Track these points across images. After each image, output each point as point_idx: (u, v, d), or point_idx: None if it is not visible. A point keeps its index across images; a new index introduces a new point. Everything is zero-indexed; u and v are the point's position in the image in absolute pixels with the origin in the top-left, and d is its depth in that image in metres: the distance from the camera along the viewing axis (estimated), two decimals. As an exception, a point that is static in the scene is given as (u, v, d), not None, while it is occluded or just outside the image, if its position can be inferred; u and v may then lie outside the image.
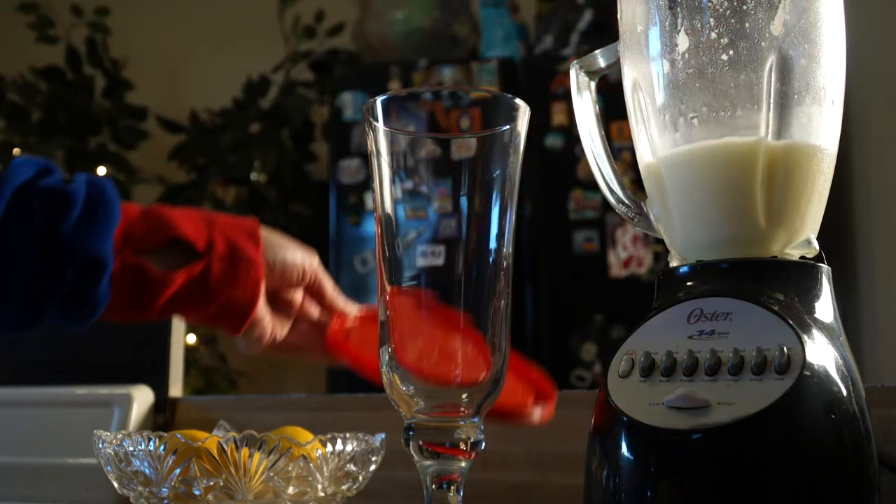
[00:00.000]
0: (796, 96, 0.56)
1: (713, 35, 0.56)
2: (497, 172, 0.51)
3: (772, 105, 0.55)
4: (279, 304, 0.68)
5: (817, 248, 0.57)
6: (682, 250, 0.59)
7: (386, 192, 0.51)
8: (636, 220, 0.63)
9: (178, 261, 0.59)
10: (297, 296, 0.68)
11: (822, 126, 0.57)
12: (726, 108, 0.56)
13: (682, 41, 0.57)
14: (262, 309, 0.64)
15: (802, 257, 0.57)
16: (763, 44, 0.55)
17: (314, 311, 0.70)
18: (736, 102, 0.56)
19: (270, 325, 0.66)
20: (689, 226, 0.58)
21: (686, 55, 0.57)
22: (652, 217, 0.62)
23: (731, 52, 0.55)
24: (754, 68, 0.55)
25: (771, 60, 0.55)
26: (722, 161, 0.56)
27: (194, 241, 0.59)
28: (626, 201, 0.63)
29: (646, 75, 0.59)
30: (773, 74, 0.55)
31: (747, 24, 0.55)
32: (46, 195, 0.55)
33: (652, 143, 0.59)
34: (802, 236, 0.57)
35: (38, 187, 0.56)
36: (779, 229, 0.56)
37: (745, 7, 0.55)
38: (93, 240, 0.54)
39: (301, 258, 0.66)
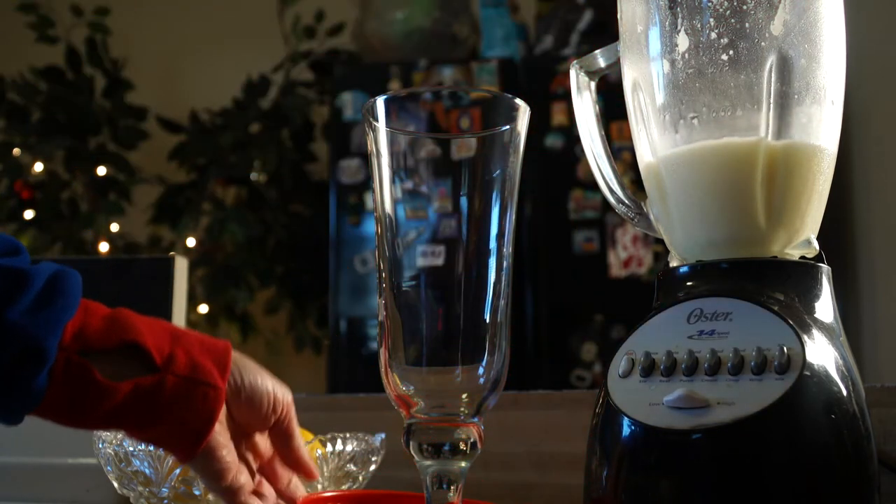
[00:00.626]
0: (796, 96, 0.56)
1: (713, 35, 0.56)
2: (497, 172, 0.51)
3: (772, 105, 0.55)
4: (246, 444, 0.60)
5: (817, 248, 0.57)
6: (683, 250, 0.59)
7: (386, 192, 0.51)
8: (636, 220, 0.63)
9: (133, 370, 0.53)
10: (263, 442, 0.61)
11: (822, 126, 0.57)
12: (726, 109, 0.56)
13: (682, 41, 0.57)
14: (221, 440, 0.56)
15: (802, 257, 0.57)
16: (763, 44, 0.55)
17: (279, 471, 0.61)
18: (736, 102, 0.56)
19: (234, 462, 0.57)
20: (689, 226, 0.58)
21: (686, 55, 0.57)
22: (652, 217, 0.62)
23: (730, 52, 0.55)
24: (754, 68, 0.55)
25: (771, 60, 0.55)
26: (722, 161, 0.56)
27: (152, 351, 0.54)
28: (626, 201, 0.63)
29: (646, 75, 0.59)
30: (773, 74, 0.55)
31: (747, 24, 0.55)
32: (3, 272, 0.51)
33: (652, 143, 0.59)
34: (802, 236, 0.57)
35: None
36: (779, 229, 0.56)
37: (744, 7, 0.55)
38: (39, 327, 0.50)
39: (272, 387, 0.59)
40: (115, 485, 0.67)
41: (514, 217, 0.52)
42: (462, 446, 0.49)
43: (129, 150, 3.01)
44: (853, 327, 2.21)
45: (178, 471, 0.62)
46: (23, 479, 0.89)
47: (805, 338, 0.50)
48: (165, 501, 0.63)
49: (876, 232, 2.16)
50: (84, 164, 2.91)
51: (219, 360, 0.56)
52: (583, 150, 0.65)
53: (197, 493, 0.63)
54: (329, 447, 0.66)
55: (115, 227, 2.90)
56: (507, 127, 0.52)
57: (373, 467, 0.71)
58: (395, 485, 0.84)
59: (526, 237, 2.44)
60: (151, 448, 0.63)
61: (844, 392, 0.50)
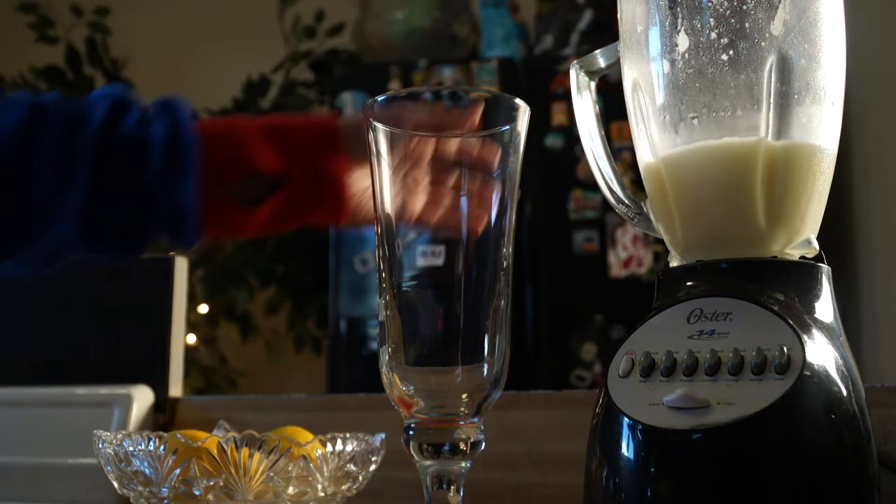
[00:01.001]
0: (796, 96, 0.56)
1: (713, 35, 0.56)
2: (497, 172, 0.52)
3: (772, 105, 0.55)
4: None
5: (817, 248, 0.57)
6: (683, 250, 0.59)
7: (386, 192, 0.51)
8: (636, 220, 0.63)
9: (261, 188, 0.60)
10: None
11: (822, 126, 0.57)
12: (726, 108, 0.56)
13: (682, 41, 0.57)
14: (359, 209, 0.64)
15: (802, 257, 0.57)
16: (763, 44, 0.55)
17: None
18: (736, 102, 0.56)
19: (368, 213, 0.65)
20: (689, 225, 0.58)
21: (686, 55, 0.57)
22: (652, 217, 0.62)
23: (730, 52, 0.55)
24: (754, 68, 0.55)
25: (771, 60, 0.55)
26: (722, 161, 0.56)
27: (273, 172, 0.60)
28: (626, 201, 0.63)
29: (646, 75, 0.59)
30: (773, 74, 0.55)
31: (747, 24, 0.55)
32: (125, 144, 0.57)
33: (652, 143, 0.59)
34: (802, 236, 0.57)
35: (116, 135, 0.57)
36: (779, 229, 0.56)
37: (744, 7, 0.55)
38: (174, 191, 0.56)
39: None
40: (115, 485, 0.67)
41: (514, 217, 0.52)
42: (462, 446, 0.49)
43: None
44: (853, 327, 2.21)
45: (178, 471, 0.62)
46: (23, 479, 0.89)
47: (805, 338, 0.50)
48: (165, 501, 0.63)
49: (876, 232, 2.16)
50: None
51: (330, 142, 0.61)
52: (583, 150, 0.65)
53: (197, 493, 0.63)
54: (329, 447, 0.66)
55: (114, 227, 2.89)
56: (507, 127, 0.52)
57: (373, 467, 0.71)
58: (395, 485, 0.84)
59: (526, 237, 2.44)
60: (151, 448, 0.63)
61: (844, 392, 0.50)
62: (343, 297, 2.55)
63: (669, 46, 0.57)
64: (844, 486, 0.49)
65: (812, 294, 0.55)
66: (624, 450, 0.52)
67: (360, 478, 0.70)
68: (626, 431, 0.52)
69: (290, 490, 0.65)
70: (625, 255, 2.34)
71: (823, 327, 0.53)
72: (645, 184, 0.61)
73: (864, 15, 2.25)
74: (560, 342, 2.37)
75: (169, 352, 0.99)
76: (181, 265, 1.04)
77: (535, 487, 0.83)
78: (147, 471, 0.63)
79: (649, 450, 0.51)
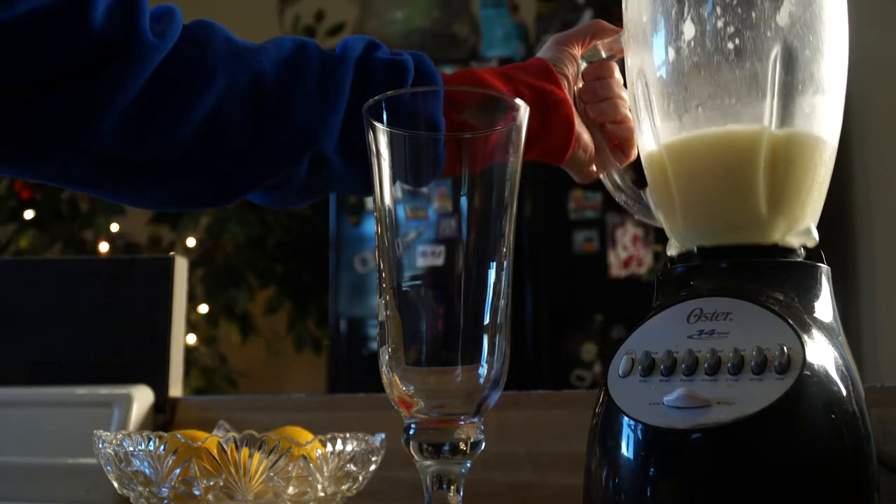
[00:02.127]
0: (800, 86, 0.56)
1: (719, 24, 0.56)
2: (497, 172, 0.52)
3: (776, 95, 0.55)
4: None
5: (817, 237, 0.57)
6: (682, 237, 0.60)
7: (386, 192, 0.51)
8: (635, 208, 0.63)
9: (499, 115, 0.62)
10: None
11: (823, 117, 0.57)
12: (730, 97, 0.56)
13: (689, 29, 0.57)
14: (582, 136, 0.67)
15: (805, 250, 0.57)
16: (768, 34, 0.55)
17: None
18: (740, 91, 0.56)
19: (590, 144, 0.69)
20: (690, 212, 0.59)
21: (692, 43, 0.57)
22: (652, 205, 0.62)
23: (736, 41, 0.56)
24: (759, 58, 0.55)
25: (776, 51, 0.55)
26: (725, 149, 0.56)
27: (507, 97, 0.62)
28: (625, 188, 0.64)
29: (650, 64, 0.60)
30: (777, 64, 0.55)
31: (753, 14, 0.55)
32: (383, 65, 0.62)
33: (655, 131, 0.59)
34: (802, 225, 0.57)
35: (374, 59, 0.63)
36: (779, 217, 0.56)
37: None
38: (427, 105, 0.59)
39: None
40: (115, 485, 0.67)
41: (514, 217, 0.52)
42: (462, 446, 0.49)
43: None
44: (853, 327, 2.21)
45: (178, 471, 0.62)
46: (23, 479, 0.89)
47: (805, 337, 0.50)
48: (165, 501, 0.63)
49: (876, 231, 2.16)
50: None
51: (545, 72, 0.67)
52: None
53: (197, 493, 0.63)
54: (329, 447, 0.66)
55: (115, 227, 2.89)
56: (507, 127, 0.52)
57: (373, 467, 0.71)
58: (395, 485, 0.84)
59: (526, 237, 2.44)
60: (151, 448, 0.63)
61: (844, 392, 0.50)
62: (343, 297, 2.55)
63: (675, 34, 0.57)
64: (844, 485, 0.49)
65: (812, 294, 0.55)
66: (624, 450, 0.52)
67: (360, 478, 0.70)
68: (626, 431, 0.52)
69: (290, 490, 0.65)
70: (625, 255, 2.34)
71: (823, 327, 0.53)
72: (646, 172, 0.61)
73: (867, 8, 2.26)
74: (560, 342, 2.37)
75: (169, 352, 0.99)
76: (181, 265, 1.04)
77: (535, 487, 0.83)
78: (147, 471, 0.63)
79: (649, 449, 0.51)
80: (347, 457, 0.67)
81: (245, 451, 0.63)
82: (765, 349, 0.50)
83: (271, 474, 0.63)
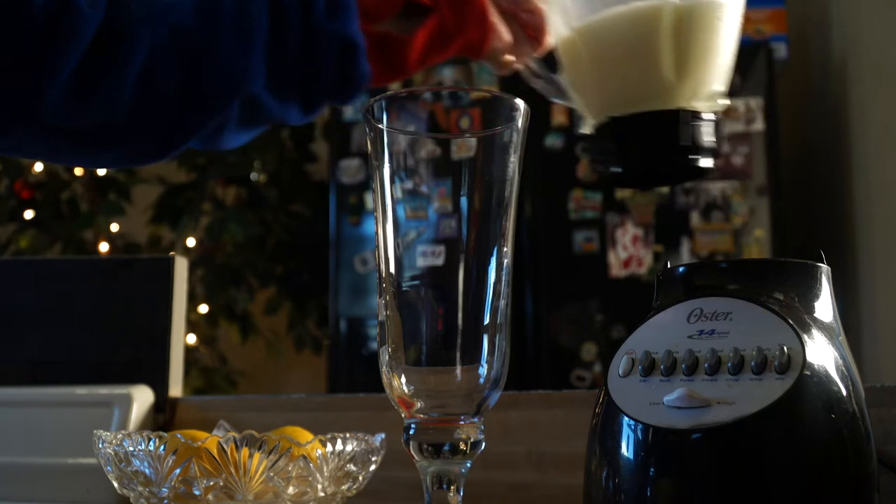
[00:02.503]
0: None
1: None
2: (497, 172, 0.52)
3: None
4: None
5: (726, 101, 0.59)
6: (596, 111, 0.60)
7: (386, 192, 0.51)
8: (551, 90, 0.65)
9: (412, 22, 0.65)
10: None
11: None
12: None
13: None
14: (498, 27, 0.68)
15: (714, 113, 0.58)
16: None
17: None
18: None
19: (506, 35, 0.69)
20: (602, 86, 0.60)
21: None
22: (566, 86, 0.63)
23: None
24: None
25: None
26: (630, 24, 0.58)
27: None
28: (542, 74, 0.66)
29: None
30: None
31: None
32: None
33: (566, 15, 0.61)
34: (709, 87, 0.58)
35: None
36: (685, 82, 0.57)
37: None
38: (341, 24, 0.61)
39: None
40: (115, 485, 0.67)
41: (514, 217, 0.52)
42: (462, 446, 0.49)
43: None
44: (853, 327, 2.21)
45: (178, 471, 0.62)
46: (23, 479, 0.89)
47: (805, 337, 0.50)
48: (165, 501, 0.63)
49: (876, 232, 2.17)
50: (84, 164, 2.90)
51: None
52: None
53: (197, 493, 0.63)
54: (329, 447, 0.66)
55: (115, 227, 2.90)
56: (507, 127, 0.52)
57: (373, 467, 0.71)
58: (395, 485, 0.84)
59: (526, 237, 2.44)
60: (151, 448, 0.63)
61: (844, 392, 0.50)
62: (343, 297, 2.55)
63: None
64: (844, 485, 0.49)
65: (812, 294, 0.55)
66: (624, 449, 0.52)
67: (360, 478, 0.70)
68: (626, 431, 0.52)
69: (290, 490, 0.65)
70: (625, 255, 2.34)
71: (823, 327, 0.53)
72: (561, 56, 0.63)
73: (866, 8, 2.26)
74: (560, 342, 2.37)
75: (169, 352, 0.99)
76: (181, 265, 1.04)
77: (535, 487, 0.83)
78: (147, 471, 0.63)
79: (649, 449, 0.51)
80: (347, 457, 0.67)
81: (245, 451, 0.63)
82: (765, 349, 0.50)
83: (271, 474, 0.63)
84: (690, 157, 0.58)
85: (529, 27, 0.71)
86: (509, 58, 0.71)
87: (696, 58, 0.57)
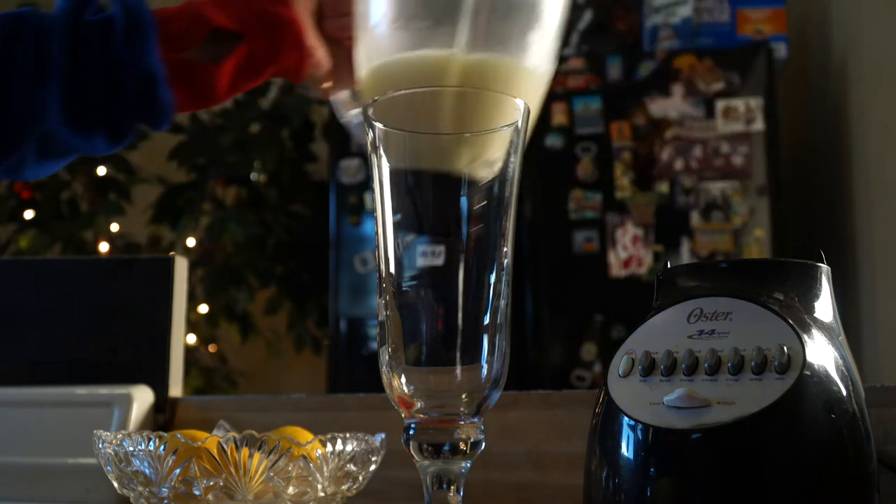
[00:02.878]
0: (497, 13, 0.55)
1: None
2: (497, 172, 0.51)
3: (470, 18, 0.54)
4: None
5: (496, 171, 0.56)
6: (391, 158, 0.58)
7: (386, 192, 0.51)
8: (357, 127, 0.64)
9: (223, 48, 0.64)
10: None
11: (524, 44, 0.56)
12: (427, 18, 0.56)
13: None
14: (315, 52, 0.66)
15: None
16: None
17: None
18: (438, 14, 0.55)
19: (326, 60, 0.68)
20: (390, 133, 0.57)
21: None
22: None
23: None
24: None
25: None
26: (416, 72, 0.56)
27: (230, 27, 0.63)
28: (355, 105, 0.65)
29: None
30: None
31: None
32: (89, 27, 0.62)
33: (368, 51, 0.59)
34: (487, 155, 0.55)
35: (81, 22, 0.62)
36: (462, 145, 0.54)
37: None
38: (139, 55, 0.60)
39: None
40: (115, 485, 0.67)
41: (514, 217, 0.52)
42: (462, 446, 0.49)
43: (129, 150, 3.01)
44: (853, 327, 2.21)
45: (178, 471, 0.62)
46: (23, 479, 0.89)
47: (805, 337, 0.50)
48: (165, 501, 0.63)
49: (876, 232, 2.16)
50: (84, 164, 2.90)
51: None
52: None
53: (197, 493, 0.63)
54: (329, 447, 0.66)
55: (115, 227, 2.90)
56: (507, 127, 0.52)
57: (373, 467, 0.71)
58: (395, 485, 0.84)
59: (526, 237, 2.44)
60: (151, 448, 0.63)
61: (844, 392, 0.50)
62: (343, 297, 2.55)
63: None
64: (844, 485, 0.49)
65: (812, 294, 0.55)
66: (624, 449, 0.52)
67: (360, 478, 0.70)
68: (626, 431, 0.52)
69: (290, 490, 0.65)
70: (625, 255, 2.34)
71: (823, 327, 0.53)
72: (361, 94, 0.61)
73: (865, 7, 2.26)
74: (560, 342, 2.37)
75: (169, 352, 0.99)
76: (181, 265, 1.04)
77: (535, 487, 0.83)
78: (147, 471, 0.63)
79: (649, 449, 0.51)
80: (347, 457, 0.67)
81: (245, 451, 0.63)
82: (765, 349, 0.50)
83: (271, 474, 0.63)
84: None
85: (351, 54, 0.68)
86: (327, 84, 0.69)
87: (478, 121, 0.54)
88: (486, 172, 0.55)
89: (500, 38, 0.54)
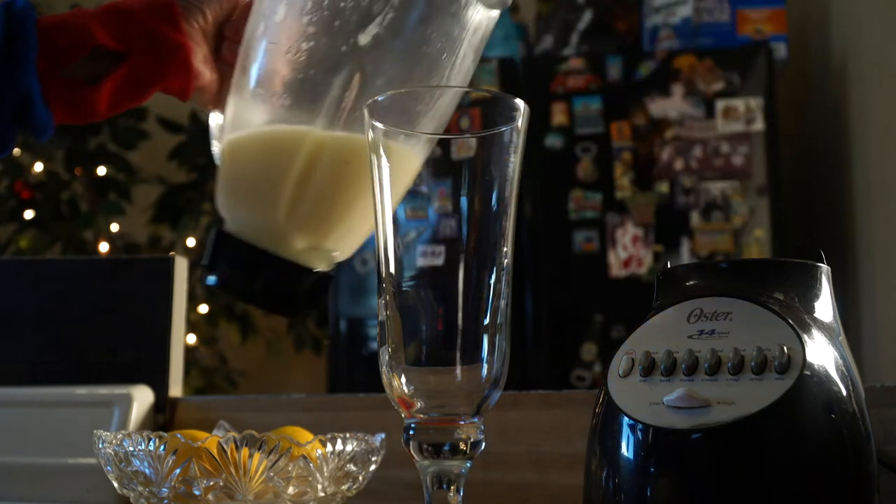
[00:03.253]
0: (363, 96, 0.53)
1: (304, 19, 0.52)
2: (497, 172, 0.51)
3: (328, 105, 0.53)
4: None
5: (335, 261, 0.54)
6: (223, 209, 0.58)
7: (386, 192, 0.51)
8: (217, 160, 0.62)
9: (105, 65, 0.62)
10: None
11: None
12: (286, 97, 0.54)
13: (281, 11, 0.54)
14: (203, 74, 0.64)
15: (322, 273, 0.53)
16: (344, 48, 0.52)
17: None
18: (297, 94, 0.54)
19: (214, 83, 0.65)
20: (231, 198, 0.57)
21: (279, 26, 0.54)
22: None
23: (311, 44, 0.53)
24: (326, 69, 0.52)
25: (347, 70, 0.52)
26: (268, 146, 0.55)
27: (112, 46, 0.61)
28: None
29: (254, 33, 0.57)
30: (343, 81, 0.52)
31: (337, 22, 0.52)
32: None
33: (232, 114, 0.58)
34: (328, 246, 0.54)
35: None
36: (296, 231, 0.54)
37: (342, 4, 0.51)
38: (15, 74, 0.59)
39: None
40: (115, 485, 0.67)
41: (514, 217, 0.52)
42: (462, 446, 0.49)
43: (129, 150, 3.01)
44: (853, 327, 2.21)
45: (178, 471, 0.62)
46: (23, 479, 0.89)
47: (805, 337, 0.50)
48: (165, 501, 0.63)
49: (876, 232, 2.16)
50: (84, 164, 2.91)
51: (166, 12, 0.63)
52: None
53: (197, 493, 0.63)
54: (329, 447, 0.66)
55: (115, 227, 2.89)
56: (507, 127, 0.52)
57: (373, 467, 0.71)
58: (395, 485, 0.84)
59: (526, 237, 2.44)
60: (151, 448, 0.63)
61: (844, 392, 0.50)
62: (343, 297, 2.55)
63: (270, 12, 0.54)
64: (844, 485, 0.49)
65: (812, 294, 0.55)
66: (624, 449, 0.52)
67: (360, 478, 0.70)
68: (626, 431, 0.52)
69: (290, 490, 0.65)
70: (625, 255, 2.34)
71: (823, 327, 0.53)
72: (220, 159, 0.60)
73: (865, 7, 2.26)
74: (560, 342, 2.37)
75: (169, 352, 0.99)
76: (181, 265, 1.04)
77: (535, 487, 0.83)
78: (147, 471, 0.63)
79: (649, 449, 0.51)
80: (347, 457, 0.67)
81: (245, 451, 0.63)
82: (765, 349, 0.50)
83: (271, 474, 0.63)
84: (271, 303, 0.54)
85: None
86: (213, 106, 0.66)
87: (318, 208, 0.53)
88: (323, 264, 0.54)
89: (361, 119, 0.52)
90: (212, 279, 0.57)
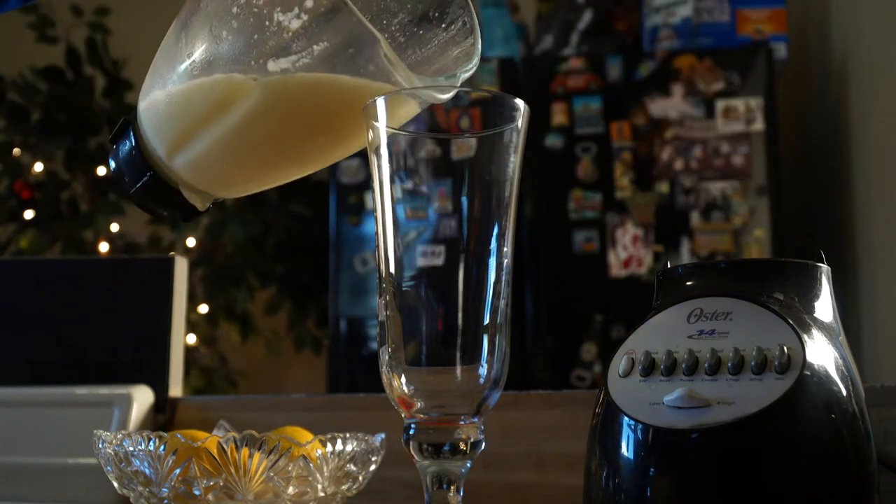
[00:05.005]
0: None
1: (233, 9, 0.50)
2: (497, 172, 0.51)
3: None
4: None
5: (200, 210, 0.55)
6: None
7: (386, 192, 0.51)
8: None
9: None
10: None
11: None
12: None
13: None
14: None
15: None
16: (252, 63, 0.50)
17: None
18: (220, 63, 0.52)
19: None
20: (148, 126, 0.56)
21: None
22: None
23: (230, 37, 0.50)
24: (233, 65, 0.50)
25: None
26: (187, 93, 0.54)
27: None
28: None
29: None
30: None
31: (255, 36, 0.50)
32: None
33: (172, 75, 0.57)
34: (208, 192, 0.55)
35: None
36: (178, 170, 0.53)
37: (266, 22, 0.49)
38: None
39: None
40: (115, 485, 0.67)
41: (514, 217, 0.52)
42: (462, 446, 0.49)
43: (128, 150, 3.00)
44: (853, 327, 2.21)
45: (178, 471, 0.62)
46: (23, 479, 0.89)
47: (805, 337, 0.50)
48: (165, 501, 0.63)
49: (876, 232, 2.16)
50: (84, 164, 2.91)
51: None
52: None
53: (197, 493, 0.63)
54: (329, 447, 0.66)
55: (115, 227, 2.89)
56: (508, 127, 0.52)
57: (373, 467, 0.71)
58: (395, 485, 0.84)
59: (526, 237, 2.44)
60: (151, 448, 0.63)
61: (844, 392, 0.50)
62: (343, 297, 2.55)
63: None
64: (844, 485, 0.49)
65: (812, 294, 0.55)
66: (624, 449, 0.52)
67: (360, 478, 0.70)
68: (626, 431, 0.52)
69: (290, 490, 0.65)
70: (625, 255, 2.34)
71: (823, 327, 0.53)
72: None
73: (866, 7, 2.26)
74: (560, 342, 2.37)
75: (169, 352, 0.99)
76: (181, 265, 1.04)
77: (535, 487, 0.83)
78: (147, 471, 0.63)
79: (649, 449, 0.51)
80: (347, 457, 0.67)
81: (245, 451, 0.63)
82: (765, 349, 0.50)
83: (271, 474, 0.63)
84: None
85: None
86: None
87: (204, 157, 0.52)
88: (199, 203, 0.54)
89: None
90: (111, 164, 0.58)
